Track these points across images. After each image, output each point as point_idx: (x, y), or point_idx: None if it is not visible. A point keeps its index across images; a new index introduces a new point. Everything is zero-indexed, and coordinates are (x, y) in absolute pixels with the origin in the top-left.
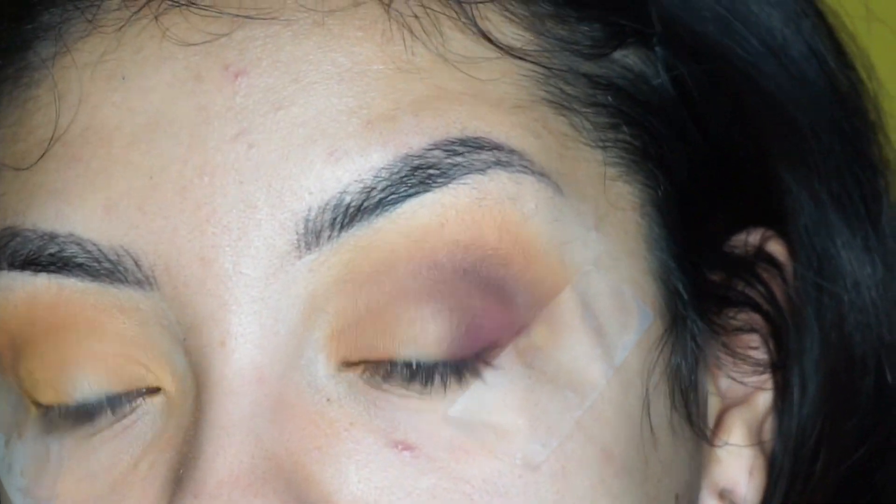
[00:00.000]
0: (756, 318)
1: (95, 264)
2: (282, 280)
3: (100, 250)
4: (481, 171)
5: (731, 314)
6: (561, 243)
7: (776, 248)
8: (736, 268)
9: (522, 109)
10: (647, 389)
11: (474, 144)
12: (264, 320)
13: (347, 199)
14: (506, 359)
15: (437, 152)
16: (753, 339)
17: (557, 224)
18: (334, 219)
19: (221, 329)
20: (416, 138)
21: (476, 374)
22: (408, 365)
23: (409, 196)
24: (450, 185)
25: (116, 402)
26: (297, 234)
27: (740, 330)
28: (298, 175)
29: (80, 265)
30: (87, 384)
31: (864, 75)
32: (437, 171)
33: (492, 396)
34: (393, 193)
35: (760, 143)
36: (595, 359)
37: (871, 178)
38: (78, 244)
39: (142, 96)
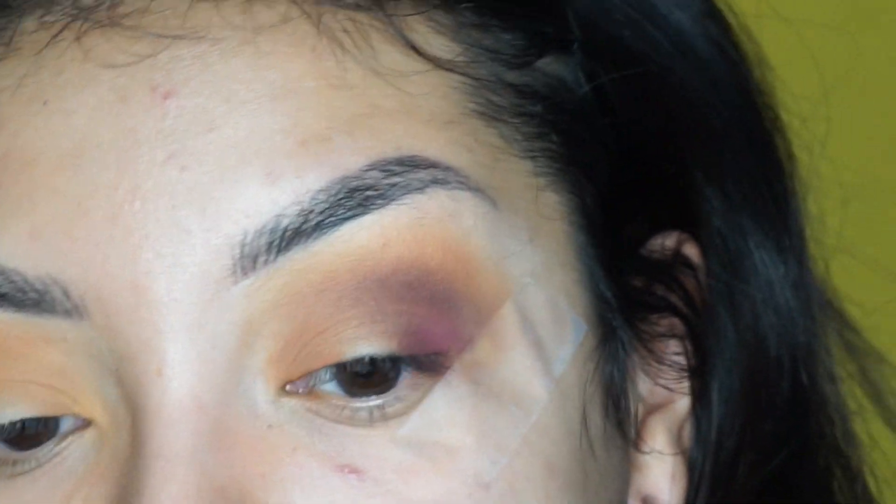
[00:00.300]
0: (676, 323)
1: (20, 294)
2: (217, 306)
3: (25, 280)
4: (420, 189)
5: (653, 320)
6: (500, 258)
7: (691, 251)
8: (655, 272)
9: (454, 124)
10: (584, 401)
11: (411, 163)
12: (201, 347)
13: (284, 222)
14: (453, 374)
15: (374, 173)
16: (675, 345)
17: (495, 239)
18: (271, 243)
19: (157, 357)
20: (352, 158)
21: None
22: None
23: (348, 219)
24: (389, 206)
25: (42, 436)
26: (233, 258)
27: (663, 336)
28: (233, 198)
29: (3, 295)
30: (8, 416)
31: (762, 73)
32: (376, 193)
33: (440, 414)
34: (331, 216)
35: (674, 145)
36: (536, 373)
37: (781, 178)
38: (2, 273)
39: (65, 120)
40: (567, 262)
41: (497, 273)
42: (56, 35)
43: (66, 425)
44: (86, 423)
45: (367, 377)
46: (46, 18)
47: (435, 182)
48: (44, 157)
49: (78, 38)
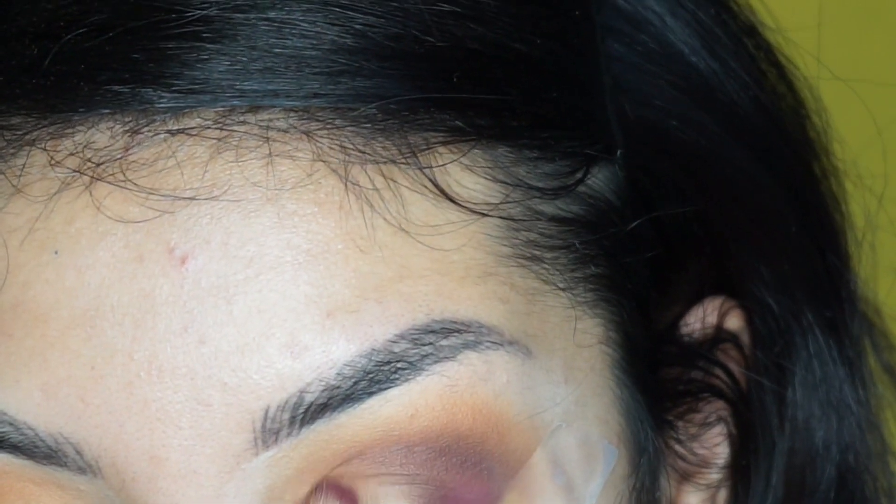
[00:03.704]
0: (719, 405)
1: (32, 447)
2: (238, 478)
3: (37, 434)
4: (451, 357)
5: (694, 409)
6: (533, 412)
7: (734, 322)
8: (694, 358)
9: (490, 276)
10: None
11: (442, 331)
12: None
13: (308, 398)
14: None
15: (403, 343)
16: (719, 433)
17: (529, 392)
18: (294, 417)
19: None
20: (380, 328)
21: None
22: None
23: (375, 392)
24: (418, 378)
25: None
26: (255, 432)
27: (705, 425)
28: (254, 371)
29: (14, 445)
30: None
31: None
32: (405, 365)
33: None
34: (358, 390)
35: (718, 223)
36: None
37: (836, 248)
38: (11, 424)
39: (78, 276)
40: (601, 387)
41: (529, 427)
42: (67, 181)
43: None
44: None
45: None
46: (56, 156)
47: (466, 346)
48: (56, 314)
49: (88, 187)
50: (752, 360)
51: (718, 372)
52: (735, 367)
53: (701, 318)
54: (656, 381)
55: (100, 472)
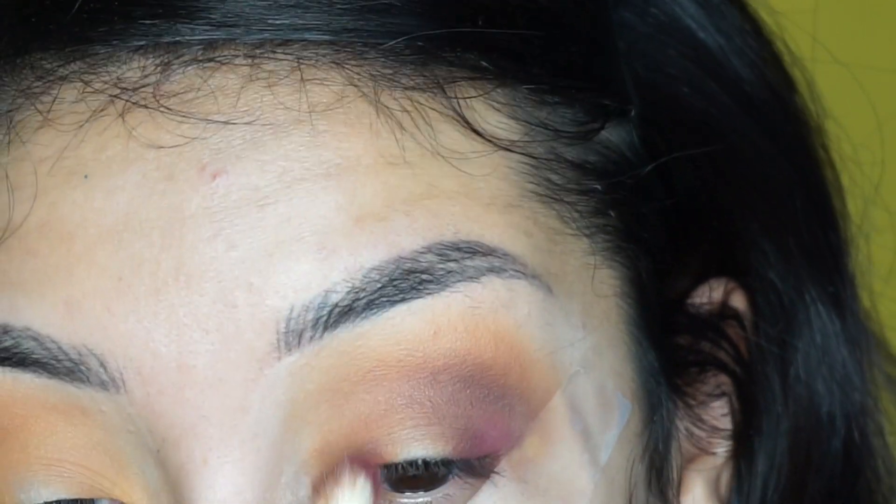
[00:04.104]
0: (723, 380)
1: (54, 361)
2: (262, 386)
3: (59, 348)
4: (475, 278)
5: (700, 378)
6: (553, 349)
7: (738, 301)
8: (701, 328)
9: (514, 208)
10: (630, 483)
11: (468, 250)
12: (244, 435)
13: (333, 298)
14: (501, 473)
15: (430, 256)
16: (721, 405)
17: (549, 328)
18: (318, 319)
19: (202, 445)
20: (408, 239)
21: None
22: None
23: (399, 301)
24: (442, 293)
25: None
26: (278, 333)
27: (709, 395)
28: (282, 272)
29: (36, 361)
30: (44, 496)
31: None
32: (430, 277)
33: None
34: (382, 297)
35: (728, 197)
36: (583, 465)
37: (837, 228)
38: (35, 339)
39: (107, 196)
40: (617, 339)
41: (549, 365)
42: (98, 111)
43: None
44: None
45: (413, 476)
46: (88, 89)
47: (491, 270)
48: (83, 231)
49: (121, 115)
50: (756, 338)
51: (725, 345)
52: (739, 344)
53: (707, 295)
54: (668, 345)
55: (123, 385)
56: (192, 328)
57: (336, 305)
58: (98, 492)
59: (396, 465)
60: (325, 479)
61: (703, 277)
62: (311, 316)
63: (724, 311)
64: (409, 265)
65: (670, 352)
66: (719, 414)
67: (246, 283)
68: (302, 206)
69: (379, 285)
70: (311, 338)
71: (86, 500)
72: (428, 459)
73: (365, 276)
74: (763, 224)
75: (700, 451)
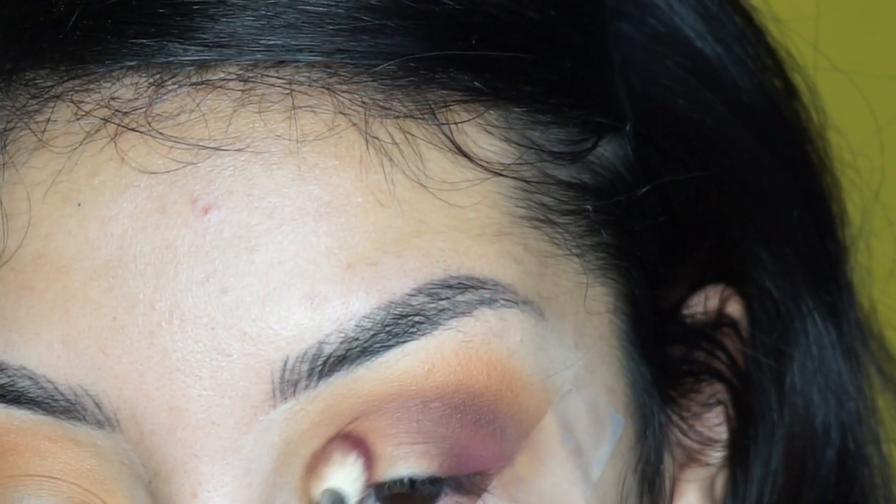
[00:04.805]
0: (718, 389)
1: (50, 400)
2: (256, 430)
3: (56, 388)
4: (467, 312)
5: (694, 388)
6: (545, 373)
7: (734, 308)
8: (696, 338)
9: (504, 235)
10: (622, 496)
11: (459, 286)
12: (237, 471)
13: (327, 349)
14: (492, 493)
15: (421, 297)
16: (716, 414)
17: (541, 352)
18: (312, 369)
19: (192, 480)
20: (399, 282)
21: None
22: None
23: (393, 346)
24: (435, 332)
25: None
26: (273, 383)
27: (704, 405)
28: (275, 321)
29: (32, 399)
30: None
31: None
32: (422, 319)
33: None
34: (375, 343)
35: (722, 206)
36: (575, 482)
37: (834, 235)
38: (31, 378)
39: (101, 227)
40: (610, 355)
41: (541, 388)
42: (91, 133)
43: None
44: None
45: (405, 498)
46: (80, 110)
47: (482, 303)
48: (78, 265)
49: (114, 139)
50: (752, 347)
51: (720, 354)
52: (735, 352)
53: (703, 303)
54: (662, 357)
55: (118, 424)
56: (185, 373)
57: (330, 356)
58: None
59: (384, 483)
60: (317, 461)
61: (699, 285)
62: (305, 367)
63: (720, 320)
64: (400, 310)
65: (664, 363)
66: (713, 424)
67: (240, 332)
68: (292, 249)
69: (372, 333)
70: (307, 386)
71: None
72: (414, 478)
73: (357, 325)
74: (760, 233)
75: (693, 461)
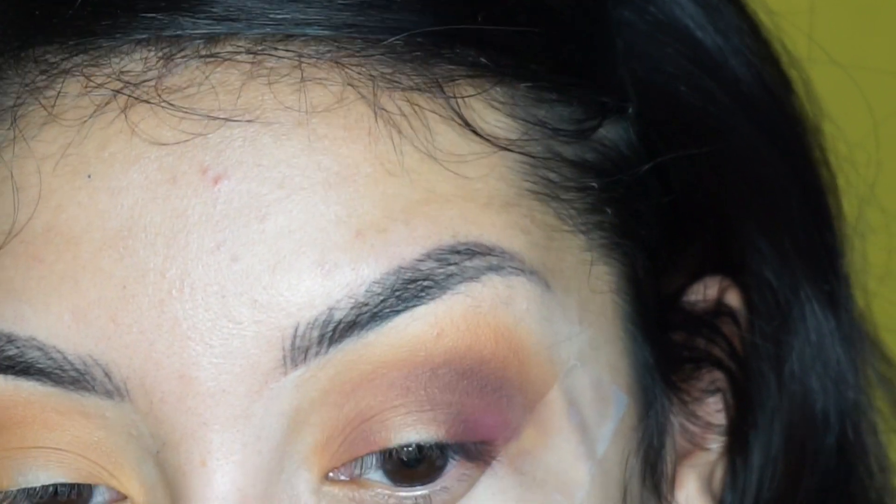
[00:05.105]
0: (717, 376)
1: (59, 371)
2: (266, 397)
3: (65, 358)
4: (475, 278)
5: (694, 375)
6: (551, 343)
7: (733, 298)
8: (696, 325)
9: (511, 206)
10: (625, 476)
11: (467, 252)
12: (247, 439)
13: (338, 315)
14: (499, 464)
15: (429, 262)
16: (715, 401)
17: (546, 323)
18: (323, 335)
19: (202, 448)
20: (408, 248)
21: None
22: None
23: (402, 310)
24: (444, 297)
25: (74, 503)
26: (284, 350)
27: (704, 391)
28: (285, 289)
29: (41, 370)
30: (41, 479)
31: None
32: (431, 283)
33: None
34: (385, 308)
35: (725, 195)
36: (580, 457)
37: (832, 226)
38: (40, 349)
39: (111, 198)
40: (613, 334)
41: (547, 359)
42: (101, 106)
43: (99, 495)
44: (121, 497)
45: (413, 467)
46: (91, 83)
47: (490, 269)
48: (88, 236)
49: (124, 111)
50: (751, 335)
51: (719, 342)
52: (734, 340)
53: (702, 292)
54: (663, 342)
55: (127, 394)
56: (195, 341)
57: (340, 322)
58: (96, 478)
59: (391, 450)
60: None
61: (699, 275)
62: (316, 333)
63: (720, 309)
64: (409, 274)
65: (665, 348)
66: (713, 410)
67: (250, 299)
68: (302, 217)
69: (381, 298)
70: (317, 353)
71: (84, 485)
72: (421, 444)
73: (367, 290)
74: (759, 222)
75: (694, 447)
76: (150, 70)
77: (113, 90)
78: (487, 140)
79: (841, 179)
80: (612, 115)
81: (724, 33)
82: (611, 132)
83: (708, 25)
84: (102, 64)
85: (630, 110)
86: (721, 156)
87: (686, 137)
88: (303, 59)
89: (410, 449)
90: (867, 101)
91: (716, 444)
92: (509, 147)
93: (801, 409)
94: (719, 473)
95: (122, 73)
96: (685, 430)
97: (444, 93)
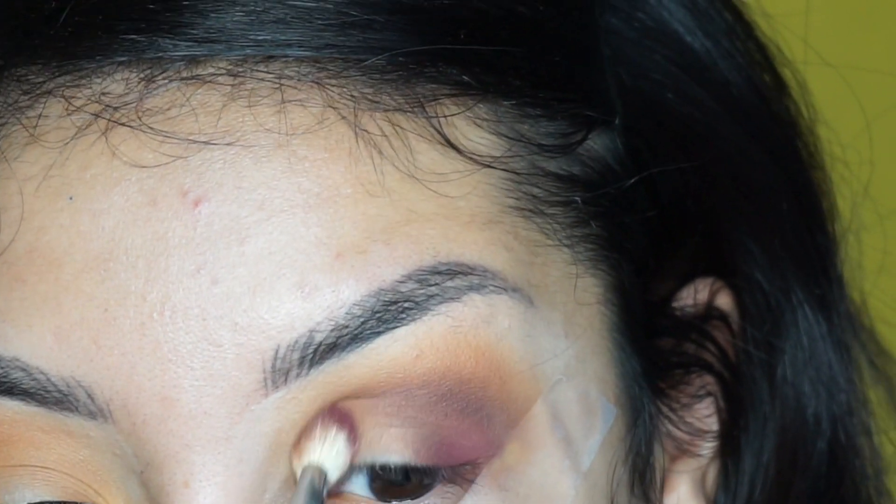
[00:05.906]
0: (708, 380)
1: (43, 392)
2: (247, 419)
3: (48, 379)
4: (456, 298)
5: (684, 380)
6: (534, 360)
7: (724, 301)
8: (686, 330)
9: (494, 224)
10: (612, 487)
11: (448, 272)
12: (229, 461)
13: (318, 337)
14: (482, 482)
15: (410, 284)
16: (706, 406)
17: (530, 340)
18: (303, 357)
19: (184, 469)
20: (388, 269)
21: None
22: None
23: (382, 332)
24: (424, 318)
25: None
26: (264, 372)
27: (694, 396)
28: (265, 311)
29: (25, 391)
30: (27, 497)
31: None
32: (411, 304)
33: None
34: (366, 330)
35: (714, 199)
36: (564, 471)
37: (824, 227)
38: (24, 370)
39: (93, 220)
40: (600, 346)
41: (531, 375)
42: (83, 127)
43: None
44: None
45: (398, 485)
46: (72, 106)
47: (471, 288)
48: (70, 258)
49: (105, 133)
50: (742, 339)
51: (709, 346)
52: (725, 344)
53: (692, 296)
54: (651, 349)
55: (110, 415)
56: (176, 364)
57: (321, 344)
58: (81, 497)
59: (374, 466)
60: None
61: (689, 278)
62: (296, 355)
63: (710, 312)
64: (390, 296)
65: (654, 355)
66: (703, 415)
67: (231, 322)
68: (282, 239)
69: (362, 319)
70: (298, 375)
71: (69, 503)
72: (403, 465)
73: (348, 313)
74: (750, 226)
75: (684, 452)
76: (132, 91)
77: (93, 113)
78: (470, 158)
79: (835, 177)
80: (599, 126)
81: (714, 37)
82: (597, 144)
83: (697, 30)
84: (84, 85)
85: (616, 121)
86: (710, 161)
87: (674, 144)
88: (283, 81)
89: (394, 469)
90: (860, 102)
91: (707, 448)
92: (492, 164)
93: (793, 412)
94: (712, 476)
95: (103, 94)
96: (674, 437)
97: (426, 112)
